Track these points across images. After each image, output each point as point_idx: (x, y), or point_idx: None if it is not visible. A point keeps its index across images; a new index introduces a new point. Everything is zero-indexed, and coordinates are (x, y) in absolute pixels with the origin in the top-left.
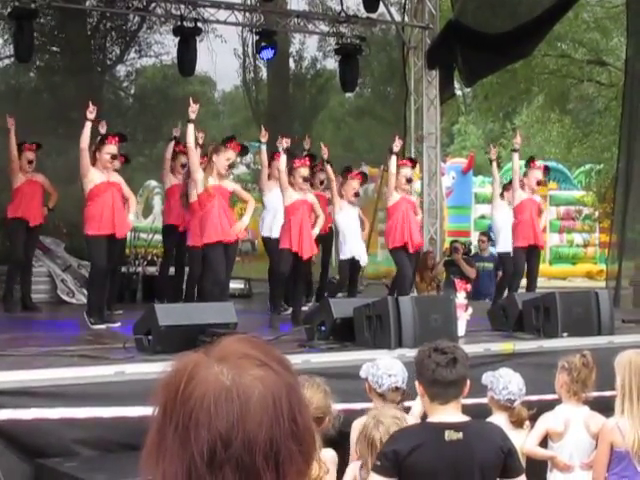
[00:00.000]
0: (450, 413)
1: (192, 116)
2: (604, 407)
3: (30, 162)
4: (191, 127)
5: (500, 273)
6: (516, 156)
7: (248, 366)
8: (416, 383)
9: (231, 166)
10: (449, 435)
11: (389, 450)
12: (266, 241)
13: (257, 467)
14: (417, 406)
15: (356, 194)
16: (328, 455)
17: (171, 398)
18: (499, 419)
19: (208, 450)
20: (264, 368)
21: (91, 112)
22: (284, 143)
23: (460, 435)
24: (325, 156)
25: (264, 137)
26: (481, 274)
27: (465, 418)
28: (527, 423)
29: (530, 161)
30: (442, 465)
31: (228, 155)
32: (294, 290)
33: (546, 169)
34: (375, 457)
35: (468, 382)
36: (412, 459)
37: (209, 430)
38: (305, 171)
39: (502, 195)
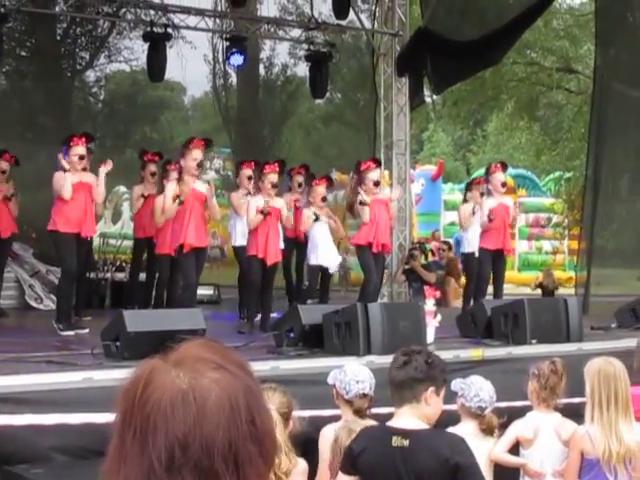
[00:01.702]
0: (404, 418)
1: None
2: (574, 414)
3: (3, 172)
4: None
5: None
6: None
7: (205, 369)
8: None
9: (200, 165)
10: (396, 441)
11: (347, 447)
12: (237, 250)
13: (216, 470)
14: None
15: (323, 199)
16: (300, 465)
17: (129, 404)
18: (468, 426)
19: (166, 454)
20: (221, 371)
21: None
22: (266, 207)
23: (406, 442)
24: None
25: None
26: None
27: (418, 426)
28: (496, 431)
29: (488, 167)
30: (384, 469)
31: (194, 155)
32: (262, 297)
33: (504, 166)
34: None
35: (428, 388)
36: (361, 459)
37: (166, 434)
38: (274, 177)
39: (467, 197)
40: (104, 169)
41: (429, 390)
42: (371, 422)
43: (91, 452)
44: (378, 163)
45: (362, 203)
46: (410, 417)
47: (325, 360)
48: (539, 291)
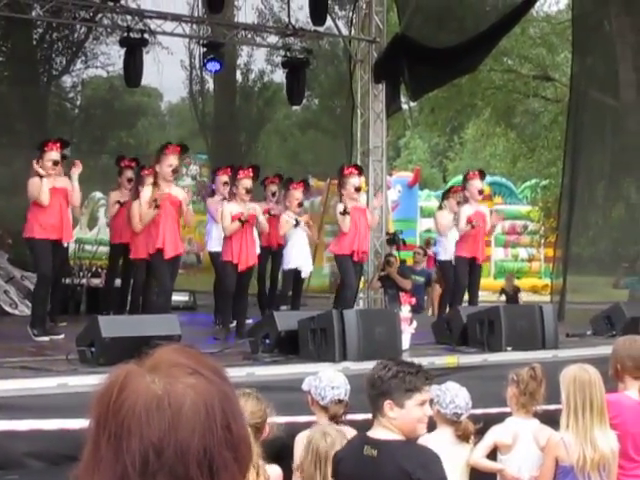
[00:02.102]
0: (377, 429)
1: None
2: (550, 420)
3: None
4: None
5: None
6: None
7: (180, 375)
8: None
9: (175, 171)
10: (367, 450)
11: (333, 455)
12: (213, 255)
13: (191, 476)
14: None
15: (300, 204)
16: (273, 471)
17: (104, 409)
18: (444, 433)
19: (140, 459)
20: (196, 376)
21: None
22: (244, 216)
23: (375, 452)
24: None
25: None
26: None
27: (390, 437)
28: (472, 438)
29: (466, 175)
30: (356, 477)
31: (170, 161)
32: (238, 303)
33: (481, 173)
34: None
35: (384, 402)
36: (340, 466)
37: (141, 439)
38: (248, 183)
39: (443, 204)
40: (75, 171)
41: (385, 403)
42: (346, 428)
43: (66, 458)
44: (360, 170)
45: (344, 212)
46: (382, 429)
47: (300, 366)
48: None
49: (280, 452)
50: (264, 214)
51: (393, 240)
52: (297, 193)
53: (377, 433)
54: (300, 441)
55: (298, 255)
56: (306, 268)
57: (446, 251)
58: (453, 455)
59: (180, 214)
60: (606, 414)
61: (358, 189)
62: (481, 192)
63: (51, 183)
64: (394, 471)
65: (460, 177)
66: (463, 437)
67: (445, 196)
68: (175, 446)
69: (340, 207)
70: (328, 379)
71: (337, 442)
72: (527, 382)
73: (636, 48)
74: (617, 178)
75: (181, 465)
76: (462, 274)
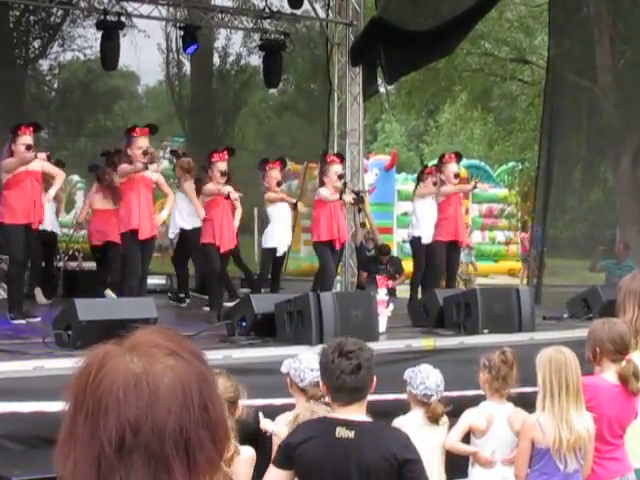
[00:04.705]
0: (350, 411)
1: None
2: (526, 403)
3: None
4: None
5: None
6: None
7: (159, 355)
8: (320, 382)
9: (145, 153)
10: (340, 432)
11: (283, 442)
12: (188, 233)
13: (166, 454)
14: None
15: (279, 183)
16: (247, 453)
17: (82, 387)
18: (416, 414)
19: (117, 437)
20: (175, 357)
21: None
22: (234, 195)
23: (351, 434)
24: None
25: None
26: None
27: (364, 418)
28: (445, 419)
29: (441, 157)
30: (328, 460)
31: (139, 144)
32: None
33: (458, 156)
34: None
35: (374, 382)
36: (300, 451)
37: (118, 417)
38: (223, 165)
39: (417, 185)
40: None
41: (374, 383)
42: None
43: (43, 440)
44: (342, 158)
45: (355, 202)
46: (355, 411)
47: (277, 349)
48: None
49: (256, 435)
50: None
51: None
52: (274, 172)
53: (349, 415)
54: (281, 421)
55: (278, 234)
56: (281, 248)
57: (420, 227)
58: (425, 436)
59: (154, 196)
60: (582, 396)
61: (340, 177)
62: (457, 176)
63: (23, 167)
64: (376, 453)
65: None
66: (433, 419)
67: (420, 177)
68: (152, 425)
69: (348, 197)
70: (307, 361)
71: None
72: (499, 367)
73: (613, 32)
74: (594, 161)
75: (157, 443)
76: (440, 259)
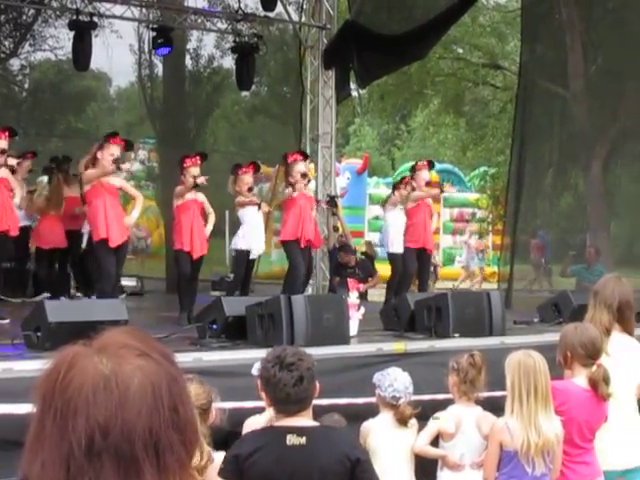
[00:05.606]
0: (297, 419)
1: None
2: (495, 407)
3: None
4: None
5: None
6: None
7: (128, 356)
8: (262, 393)
9: (116, 161)
10: (290, 439)
11: (230, 455)
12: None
13: (136, 456)
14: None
15: (250, 189)
16: (220, 457)
17: (50, 387)
18: (385, 417)
19: (86, 439)
20: (145, 358)
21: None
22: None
23: (303, 440)
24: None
25: None
26: None
27: (312, 423)
28: (414, 422)
29: (415, 164)
30: (281, 469)
31: (112, 151)
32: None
33: (430, 164)
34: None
35: (317, 388)
36: (251, 462)
37: (87, 419)
38: (196, 170)
39: (393, 194)
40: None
41: (317, 389)
42: None
43: (11, 444)
44: (305, 156)
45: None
46: (302, 418)
47: (248, 352)
48: None
49: (227, 439)
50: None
51: (331, 203)
52: (247, 177)
53: (297, 422)
54: (249, 427)
55: (250, 236)
56: (256, 251)
57: (393, 244)
58: (395, 439)
59: (120, 202)
60: (551, 400)
61: (304, 175)
62: (428, 183)
63: None
64: (331, 456)
65: (410, 164)
66: (401, 421)
67: (397, 187)
68: (121, 426)
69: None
70: None
71: None
72: (467, 370)
73: (585, 38)
74: (565, 167)
75: (127, 445)
76: (411, 263)
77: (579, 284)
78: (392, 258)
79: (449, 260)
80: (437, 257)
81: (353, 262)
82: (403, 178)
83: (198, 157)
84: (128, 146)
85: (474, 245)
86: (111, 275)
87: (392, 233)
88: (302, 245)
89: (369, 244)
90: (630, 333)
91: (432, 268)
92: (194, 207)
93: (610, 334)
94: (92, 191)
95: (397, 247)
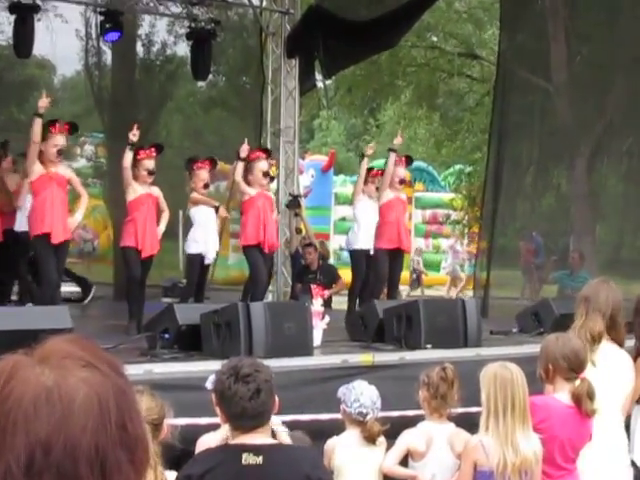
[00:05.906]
0: (254, 437)
1: (41, 111)
2: (470, 424)
3: None
4: (38, 121)
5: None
6: (393, 156)
7: (73, 367)
8: (217, 408)
9: (60, 152)
10: (246, 458)
11: (182, 475)
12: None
13: (80, 476)
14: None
15: (206, 185)
16: (171, 477)
17: None
18: (352, 434)
19: (26, 457)
20: (91, 369)
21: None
22: (132, 136)
23: (260, 459)
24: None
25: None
26: None
27: (270, 441)
28: (382, 440)
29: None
30: None
31: (55, 141)
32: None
33: (408, 159)
34: None
35: (277, 403)
36: None
37: (27, 434)
38: (150, 163)
39: (363, 190)
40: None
41: (277, 403)
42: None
43: None
44: (268, 153)
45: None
46: (260, 435)
47: (203, 363)
48: None
49: (180, 458)
50: None
51: (294, 203)
52: (203, 173)
53: (254, 439)
54: (203, 445)
55: (202, 239)
56: (210, 254)
57: (357, 239)
58: (362, 457)
59: (67, 195)
60: (528, 415)
61: (266, 174)
62: (402, 182)
63: None
64: (290, 476)
65: (382, 161)
66: (369, 439)
67: (364, 179)
68: (64, 443)
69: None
70: None
71: None
72: (437, 384)
73: (570, 26)
74: (546, 165)
75: (70, 464)
76: (382, 267)
77: (561, 291)
78: (355, 256)
79: (427, 265)
80: (420, 263)
81: (316, 265)
82: (371, 169)
83: (153, 149)
84: (73, 129)
85: (465, 250)
86: (53, 278)
87: (362, 230)
88: (266, 250)
89: (322, 243)
90: (620, 343)
91: (415, 276)
92: (149, 202)
93: (600, 342)
94: (38, 181)
95: (363, 244)
